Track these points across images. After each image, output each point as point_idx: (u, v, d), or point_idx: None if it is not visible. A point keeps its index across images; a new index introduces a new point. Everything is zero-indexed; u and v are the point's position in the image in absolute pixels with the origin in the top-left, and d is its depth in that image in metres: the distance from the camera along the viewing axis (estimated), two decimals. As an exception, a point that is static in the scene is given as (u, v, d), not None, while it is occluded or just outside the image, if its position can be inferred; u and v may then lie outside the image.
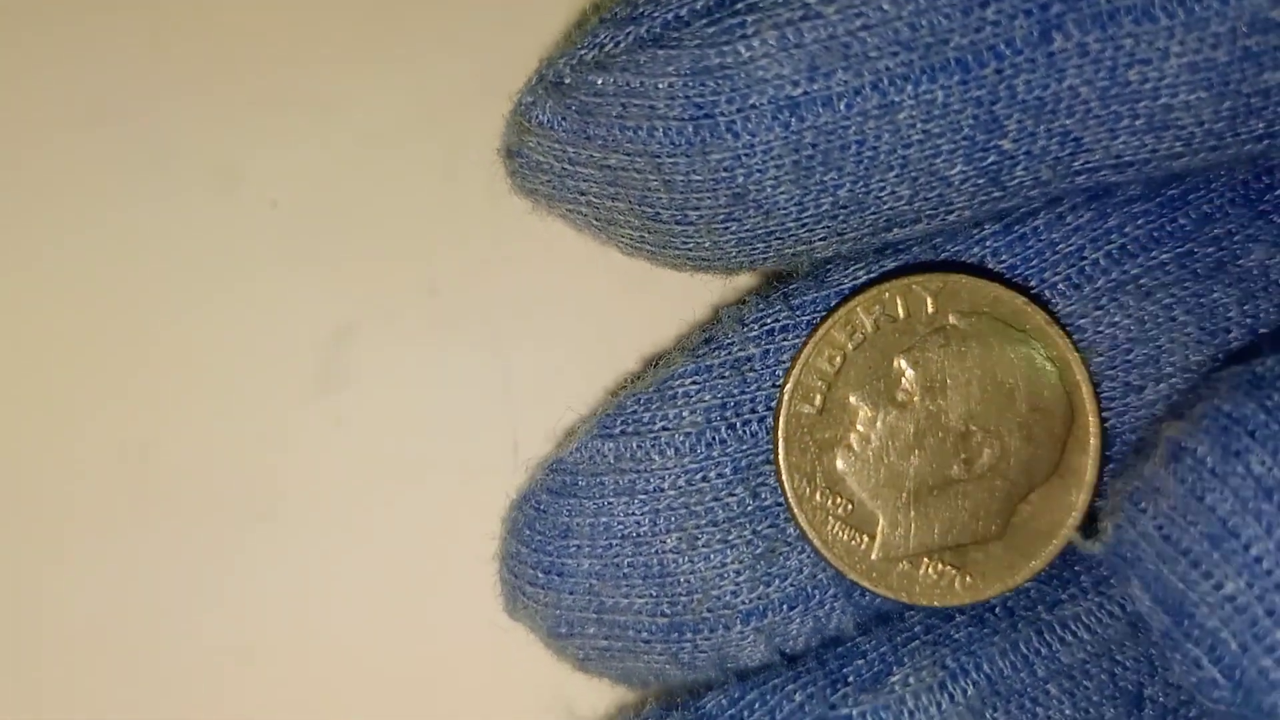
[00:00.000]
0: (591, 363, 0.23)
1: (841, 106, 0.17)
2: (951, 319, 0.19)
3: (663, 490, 0.19)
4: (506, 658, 0.22)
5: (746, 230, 0.18)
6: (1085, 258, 0.19)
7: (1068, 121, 0.17)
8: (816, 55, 0.17)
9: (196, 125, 0.24)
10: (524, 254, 0.24)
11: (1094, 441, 0.19)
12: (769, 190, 0.18)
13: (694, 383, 0.19)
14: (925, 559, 0.19)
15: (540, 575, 0.19)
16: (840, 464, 0.19)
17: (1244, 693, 0.16)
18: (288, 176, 0.24)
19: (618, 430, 0.19)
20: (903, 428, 0.19)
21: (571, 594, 0.19)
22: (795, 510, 0.19)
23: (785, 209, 0.18)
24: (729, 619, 0.19)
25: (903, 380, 0.19)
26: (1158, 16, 0.16)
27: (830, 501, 0.19)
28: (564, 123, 0.18)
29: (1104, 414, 0.19)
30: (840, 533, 0.19)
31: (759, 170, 0.17)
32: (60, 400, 0.24)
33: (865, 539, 0.19)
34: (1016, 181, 0.18)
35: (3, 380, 0.24)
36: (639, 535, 0.19)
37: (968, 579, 0.19)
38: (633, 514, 0.19)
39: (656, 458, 0.19)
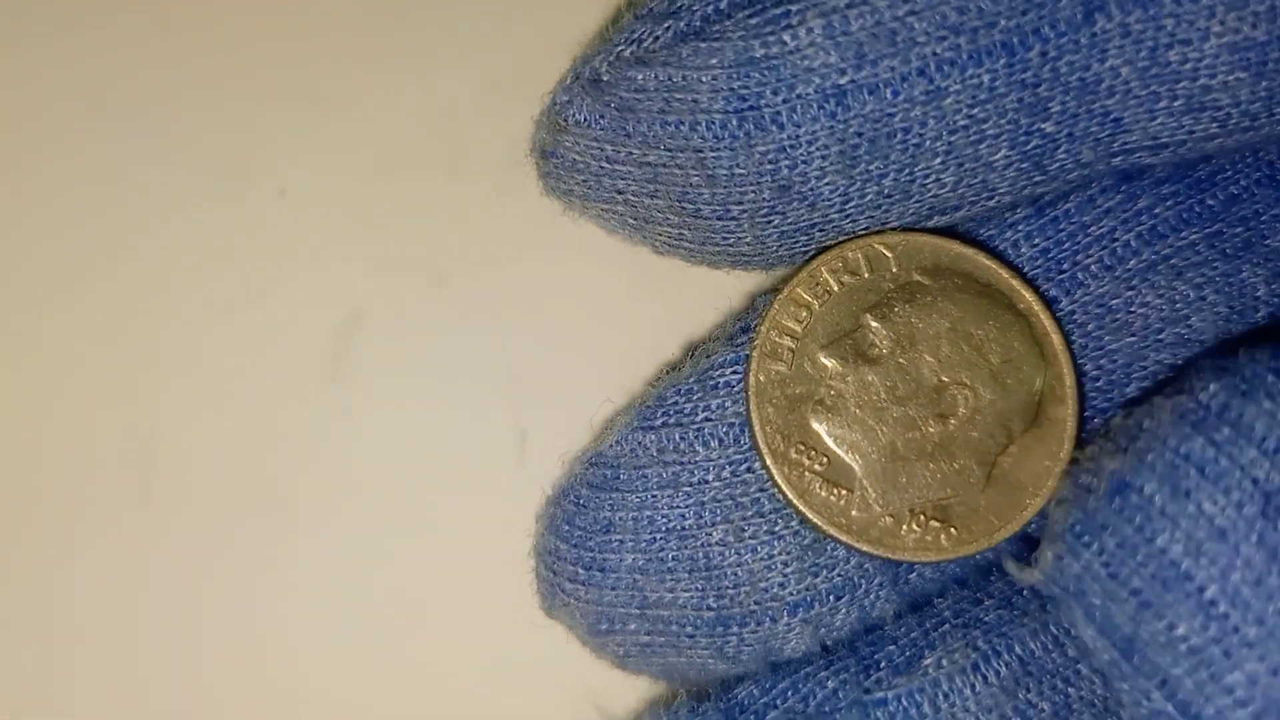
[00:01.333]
0: (598, 353, 0.23)
1: (888, 94, 0.17)
2: (917, 276, 0.19)
3: (708, 482, 0.19)
4: (525, 648, 0.22)
5: (789, 223, 0.18)
6: (1117, 239, 0.19)
7: (1109, 102, 0.17)
8: (864, 42, 0.16)
9: (205, 116, 0.24)
10: (531, 245, 0.24)
11: (1070, 392, 0.19)
12: (814, 181, 0.17)
13: (735, 372, 0.19)
14: (908, 514, 0.18)
15: (581, 571, 0.19)
16: (814, 420, 0.18)
17: None
18: (296, 167, 0.24)
19: (659, 422, 0.19)
20: (875, 383, 0.18)
21: (614, 589, 0.19)
22: (771, 466, 0.18)
23: (830, 200, 0.18)
24: (776, 611, 0.19)
25: (872, 337, 0.19)
26: None
27: (806, 458, 0.18)
28: (602, 120, 0.18)
29: (1135, 394, 0.19)
30: (818, 489, 0.18)
31: (804, 161, 0.17)
32: (70, 391, 0.24)
33: (844, 494, 0.18)
34: (1058, 164, 0.18)
35: (12, 371, 0.24)
36: (684, 529, 0.19)
37: (953, 532, 0.18)
38: (677, 507, 0.19)
39: (700, 449, 0.19)
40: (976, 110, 0.17)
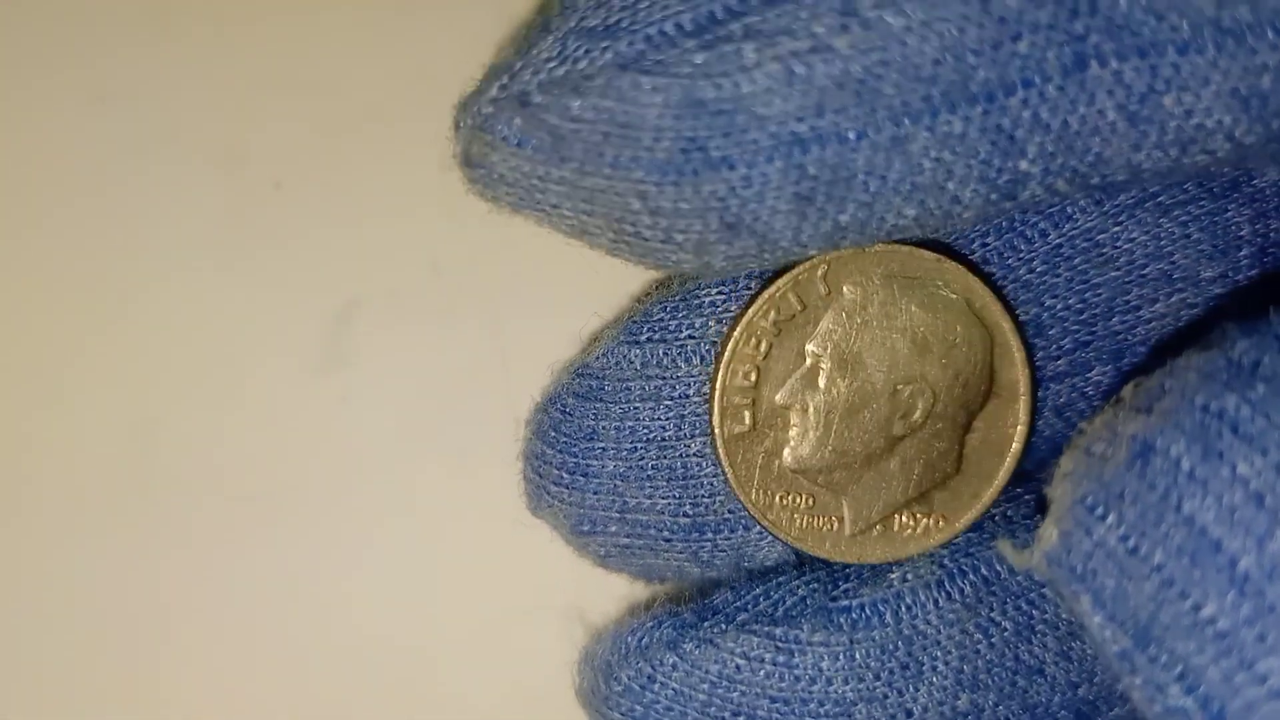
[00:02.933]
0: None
1: (851, 136, 0.16)
2: (846, 290, 0.19)
3: (688, 396, 0.19)
4: (521, 638, 0.24)
5: (737, 251, 0.17)
6: (1107, 174, 0.20)
7: (1091, 140, 0.16)
8: (826, 92, 0.15)
9: (201, 107, 0.24)
10: (525, 232, 0.23)
11: (1018, 353, 0.19)
12: (765, 218, 0.16)
13: (719, 293, 0.19)
14: (895, 515, 0.19)
15: (565, 475, 0.20)
16: (790, 463, 0.19)
17: None
18: (291, 158, 0.24)
19: (644, 337, 0.20)
20: (834, 410, 0.19)
21: (595, 494, 0.20)
22: (762, 521, 0.19)
23: (781, 233, 0.17)
24: (749, 519, 0.20)
25: (818, 365, 0.19)
26: (1205, 48, 0.15)
27: (793, 500, 0.19)
28: (533, 142, 0.16)
29: (1118, 327, 0.20)
30: (810, 524, 0.19)
31: (755, 201, 0.16)
32: (65, 380, 0.24)
33: (835, 521, 0.19)
34: (1029, 193, 0.17)
35: (7, 360, 0.24)
36: (664, 439, 0.19)
37: (940, 521, 0.19)
38: (658, 419, 0.19)
39: (682, 365, 0.19)
40: (945, 154, 0.16)
